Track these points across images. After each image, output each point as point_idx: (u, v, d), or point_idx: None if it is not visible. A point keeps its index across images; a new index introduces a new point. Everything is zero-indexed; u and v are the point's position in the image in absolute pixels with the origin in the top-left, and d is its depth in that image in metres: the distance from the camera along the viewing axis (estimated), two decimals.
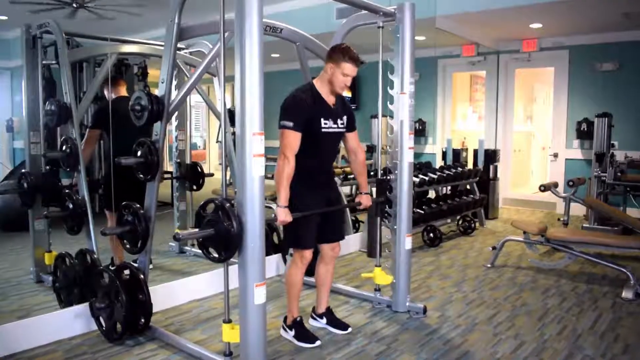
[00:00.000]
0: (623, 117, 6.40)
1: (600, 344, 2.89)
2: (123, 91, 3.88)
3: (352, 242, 4.96)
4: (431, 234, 5.16)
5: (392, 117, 3.29)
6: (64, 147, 3.51)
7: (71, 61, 3.69)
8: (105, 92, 3.89)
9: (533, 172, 9.05)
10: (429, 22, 5.57)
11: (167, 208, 5.12)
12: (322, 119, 2.70)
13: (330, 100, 2.76)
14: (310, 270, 2.96)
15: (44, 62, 3.73)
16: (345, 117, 2.83)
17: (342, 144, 3.01)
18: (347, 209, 5.14)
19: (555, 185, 5.83)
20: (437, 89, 8.00)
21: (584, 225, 5.89)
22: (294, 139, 2.60)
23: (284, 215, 2.58)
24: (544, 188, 5.53)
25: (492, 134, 7.64)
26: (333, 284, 3.71)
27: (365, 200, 3.03)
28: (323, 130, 2.71)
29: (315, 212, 2.75)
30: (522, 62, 7.39)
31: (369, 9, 3.22)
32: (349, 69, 2.64)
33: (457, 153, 6.85)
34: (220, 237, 2.29)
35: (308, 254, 2.82)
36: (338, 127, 2.80)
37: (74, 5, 5.87)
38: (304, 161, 2.67)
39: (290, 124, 2.59)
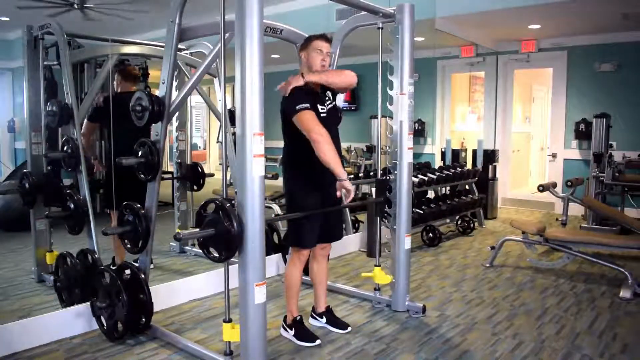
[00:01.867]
0: (621, 118, 6.42)
1: (599, 343, 2.90)
2: (131, 87, 3.89)
3: (352, 242, 4.97)
4: (430, 234, 5.18)
5: (391, 117, 3.30)
6: (65, 148, 3.52)
7: (72, 62, 3.70)
8: (114, 85, 3.89)
9: (532, 172, 9.07)
10: (429, 23, 5.60)
11: (167, 208, 5.14)
12: (318, 105, 2.71)
13: (317, 89, 2.77)
14: (305, 269, 2.99)
15: (45, 62, 3.74)
16: (334, 103, 2.86)
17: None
18: (347, 209, 5.17)
19: (554, 185, 5.85)
20: (437, 90, 8.03)
21: (582, 225, 5.91)
22: (314, 117, 2.59)
23: (350, 184, 2.63)
24: (543, 188, 5.55)
25: (491, 134, 7.66)
26: (333, 283, 3.73)
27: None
28: (322, 115, 2.71)
29: (320, 212, 2.77)
30: (521, 63, 7.41)
31: (369, 10, 3.24)
32: (320, 44, 2.69)
33: (456, 153, 6.87)
34: (220, 237, 2.30)
35: (306, 252, 2.85)
36: (333, 111, 2.81)
37: (76, 6, 5.89)
38: (308, 155, 2.69)
39: (306, 104, 2.57)
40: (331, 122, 2.79)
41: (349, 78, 2.78)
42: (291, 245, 2.90)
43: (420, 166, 5.99)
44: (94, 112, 3.77)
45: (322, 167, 2.80)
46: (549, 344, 2.89)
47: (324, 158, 2.53)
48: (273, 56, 7.91)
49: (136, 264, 2.95)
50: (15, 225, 5.29)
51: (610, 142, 6.16)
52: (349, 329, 3.02)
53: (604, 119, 6.06)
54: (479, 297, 3.68)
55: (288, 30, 3.57)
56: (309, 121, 2.55)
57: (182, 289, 3.52)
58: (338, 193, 2.68)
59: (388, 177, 3.34)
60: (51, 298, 3.47)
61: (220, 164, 9.21)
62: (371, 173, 5.21)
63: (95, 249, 3.37)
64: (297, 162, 2.76)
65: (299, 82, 2.64)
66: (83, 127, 3.72)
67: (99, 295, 2.90)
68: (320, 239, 2.89)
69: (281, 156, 3.01)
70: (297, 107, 2.57)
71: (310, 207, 2.73)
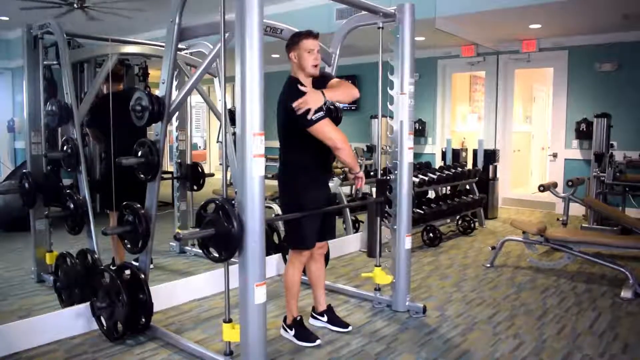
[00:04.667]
0: (622, 118, 6.41)
1: (600, 343, 2.90)
2: (118, 87, 3.88)
3: (352, 242, 4.97)
4: (431, 234, 5.17)
5: (392, 117, 3.30)
6: (65, 148, 3.52)
7: (72, 62, 3.70)
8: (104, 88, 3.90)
9: (532, 172, 9.06)
10: (429, 23, 5.59)
11: (167, 208, 5.14)
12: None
13: (311, 86, 2.73)
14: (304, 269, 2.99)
15: (45, 62, 3.74)
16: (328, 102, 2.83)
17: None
18: (347, 209, 5.16)
19: (555, 185, 5.85)
20: (437, 90, 8.02)
21: (583, 225, 5.90)
22: (332, 125, 2.60)
23: (362, 173, 2.85)
24: (543, 188, 5.54)
25: (491, 134, 7.65)
26: (333, 283, 3.73)
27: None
28: None
29: (321, 211, 2.78)
30: (522, 63, 7.40)
31: (369, 9, 3.23)
32: (309, 43, 2.64)
33: (456, 153, 6.87)
34: (220, 237, 2.30)
35: (307, 253, 2.85)
36: (334, 110, 2.81)
37: (75, 5, 5.88)
38: (305, 155, 2.70)
39: (321, 112, 2.55)
40: (335, 121, 2.79)
41: (354, 95, 2.78)
42: (292, 247, 2.89)
43: (421, 166, 5.98)
44: (88, 118, 3.80)
45: (320, 167, 2.80)
46: (550, 344, 2.88)
47: (347, 160, 2.71)
48: (273, 56, 7.91)
49: (136, 264, 2.94)
50: (15, 225, 5.30)
51: (611, 142, 6.16)
52: (350, 328, 3.01)
53: (605, 119, 6.05)
54: (479, 297, 3.68)
55: (288, 30, 3.55)
56: (330, 132, 2.58)
57: (182, 289, 3.52)
58: (357, 183, 2.88)
59: (388, 177, 3.33)
60: (51, 298, 3.46)
61: (220, 164, 9.23)
62: (371, 173, 5.20)
63: (95, 249, 3.36)
64: (296, 163, 2.76)
65: (320, 102, 2.54)
66: (91, 135, 3.92)
67: (98, 295, 2.89)
68: (318, 238, 2.89)
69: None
70: (314, 118, 2.52)
71: (311, 207, 2.73)
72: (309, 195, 2.75)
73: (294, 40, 2.68)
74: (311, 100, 2.51)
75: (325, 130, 2.56)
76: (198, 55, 4.46)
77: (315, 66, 2.67)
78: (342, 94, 2.70)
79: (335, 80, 2.81)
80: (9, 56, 9.13)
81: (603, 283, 4.00)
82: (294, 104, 2.50)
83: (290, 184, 2.79)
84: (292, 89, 2.64)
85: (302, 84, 2.65)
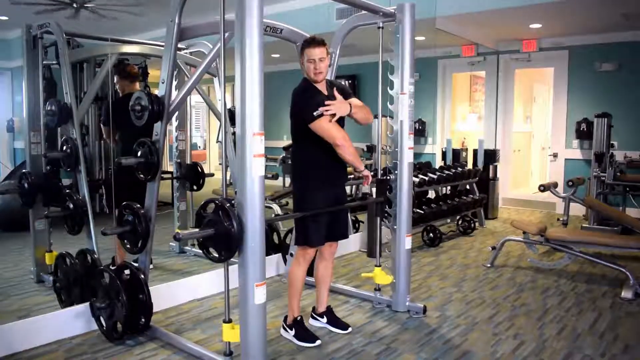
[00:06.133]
0: (622, 118, 6.41)
1: (600, 343, 2.89)
2: (135, 87, 3.88)
3: (353, 242, 4.96)
4: (431, 234, 5.17)
5: (392, 117, 3.30)
6: (64, 147, 3.51)
7: (72, 61, 3.69)
8: (118, 88, 3.89)
9: (533, 172, 9.06)
10: (429, 23, 5.58)
11: (167, 208, 5.13)
12: None
13: (324, 90, 2.80)
14: (309, 270, 2.98)
15: (44, 62, 3.74)
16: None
17: None
18: (347, 209, 5.15)
19: (555, 185, 5.84)
20: (437, 89, 8.02)
21: (584, 225, 5.90)
22: (333, 122, 2.68)
23: (368, 171, 2.94)
24: (544, 188, 5.54)
25: (491, 134, 7.65)
26: (333, 283, 3.72)
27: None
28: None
29: (325, 211, 2.79)
30: (522, 63, 7.40)
31: (369, 9, 3.23)
32: (310, 53, 2.69)
33: (456, 153, 6.86)
34: (220, 237, 2.30)
35: (312, 251, 2.87)
36: None
37: (75, 5, 5.88)
38: (314, 153, 2.73)
39: (320, 111, 2.64)
40: (339, 121, 2.81)
41: (370, 120, 2.95)
42: (298, 244, 2.90)
43: (421, 166, 5.98)
44: (105, 116, 3.78)
45: (331, 167, 2.82)
46: (550, 344, 2.88)
47: (348, 159, 2.75)
48: (273, 56, 7.89)
49: (136, 264, 2.94)
50: (14, 225, 5.28)
51: (611, 142, 6.16)
52: (350, 329, 3.01)
53: (605, 119, 6.05)
54: (479, 297, 3.67)
55: (288, 30, 3.55)
56: (330, 129, 2.66)
57: (181, 289, 3.51)
58: (364, 182, 2.99)
59: (388, 177, 3.33)
60: (50, 298, 3.46)
61: (220, 164, 9.22)
62: (371, 173, 5.20)
63: (95, 249, 3.36)
64: (306, 162, 2.78)
65: (345, 112, 2.75)
66: (104, 133, 3.85)
67: (98, 295, 2.89)
68: (328, 238, 2.90)
69: (282, 155, 3.01)
70: (315, 114, 2.63)
71: (319, 206, 2.76)
72: (312, 194, 2.77)
73: (300, 48, 2.78)
74: (340, 107, 2.70)
75: (325, 126, 2.63)
76: (198, 55, 4.45)
77: (317, 74, 2.71)
78: (362, 114, 2.87)
79: (358, 101, 2.93)
80: (9, 56, 9.12)
81: (603, 283, 4.00)
82: (327, 102, 2.66)
83: (297, 181, 2.84)
84: (306, 89, 2.74)
85: (313, 85, 2.74)
